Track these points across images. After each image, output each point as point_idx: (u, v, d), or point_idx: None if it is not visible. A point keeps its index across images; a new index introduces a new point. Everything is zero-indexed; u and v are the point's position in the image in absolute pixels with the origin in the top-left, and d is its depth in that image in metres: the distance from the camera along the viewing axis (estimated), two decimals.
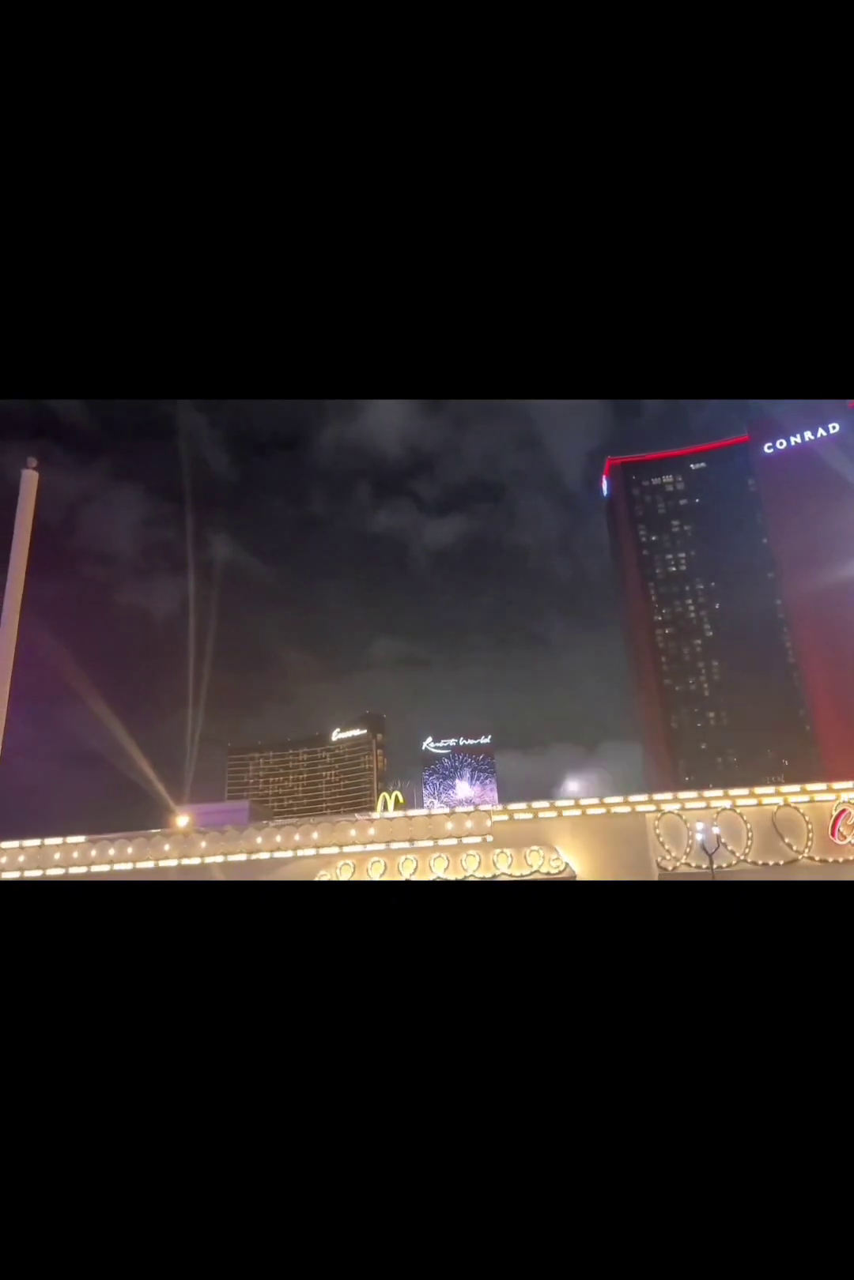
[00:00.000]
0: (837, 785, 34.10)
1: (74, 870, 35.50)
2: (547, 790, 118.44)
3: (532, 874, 32.46)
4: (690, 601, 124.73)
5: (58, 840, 36.67)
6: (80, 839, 36.67)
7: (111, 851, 36.03)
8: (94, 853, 36.11)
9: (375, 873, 33.36)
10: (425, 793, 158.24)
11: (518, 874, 32.54)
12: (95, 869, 35.40)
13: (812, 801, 33.10)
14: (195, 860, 35.23)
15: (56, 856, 36.15)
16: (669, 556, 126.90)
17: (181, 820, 40.23)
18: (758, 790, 34.38)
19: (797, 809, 32.74)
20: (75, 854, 36.19)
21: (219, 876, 34.61)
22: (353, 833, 35.34)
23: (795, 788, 34.31)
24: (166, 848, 36.03)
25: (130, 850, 35.99)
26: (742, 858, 31.85)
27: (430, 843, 33.97)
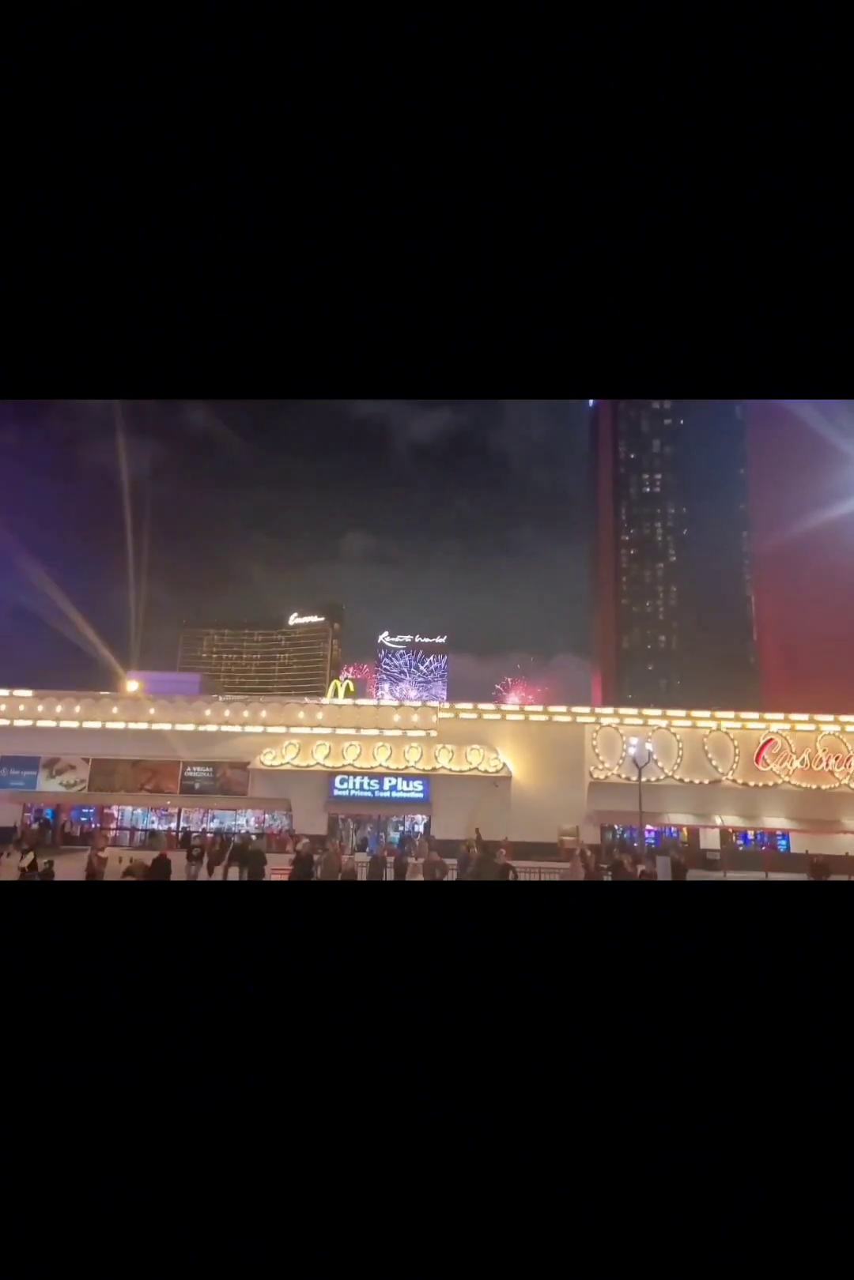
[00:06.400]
0: (768, 715, 35.76)
1: (19, 723, 35.56)
2: (494, 693, 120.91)
3: (470, 770, 33.71)
4: (659, 525, 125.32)
5: (4, 692, 36.51)
6: (26, 693, 36.56)
7: (59, 708, 36.08)
8: (40, 708, 36.12)
9: (319, 755, 34.23)
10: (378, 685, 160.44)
11: (457, 769, 33.76)
12: (41, 724, 35.51)
13: (743, 729, 34.71)
14: (143, 725, 35.55)
15: (1, 708, 36.07)
16: (645, 476, 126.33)
17: (131, 685, 40.33)
18: (694, 714, 35.81)
19: (727, 734, 34.36)
20: (21, 708, 36.15)
21: (175, 744, 35.08)
22: (301, 715, 35.97)
23: (729, 714, 35.86)
24: (115, 710, 36.21)
25: (77, 709, 36.09)
26: (669, 774, 33.53)
27: (375, 732, 34.84)
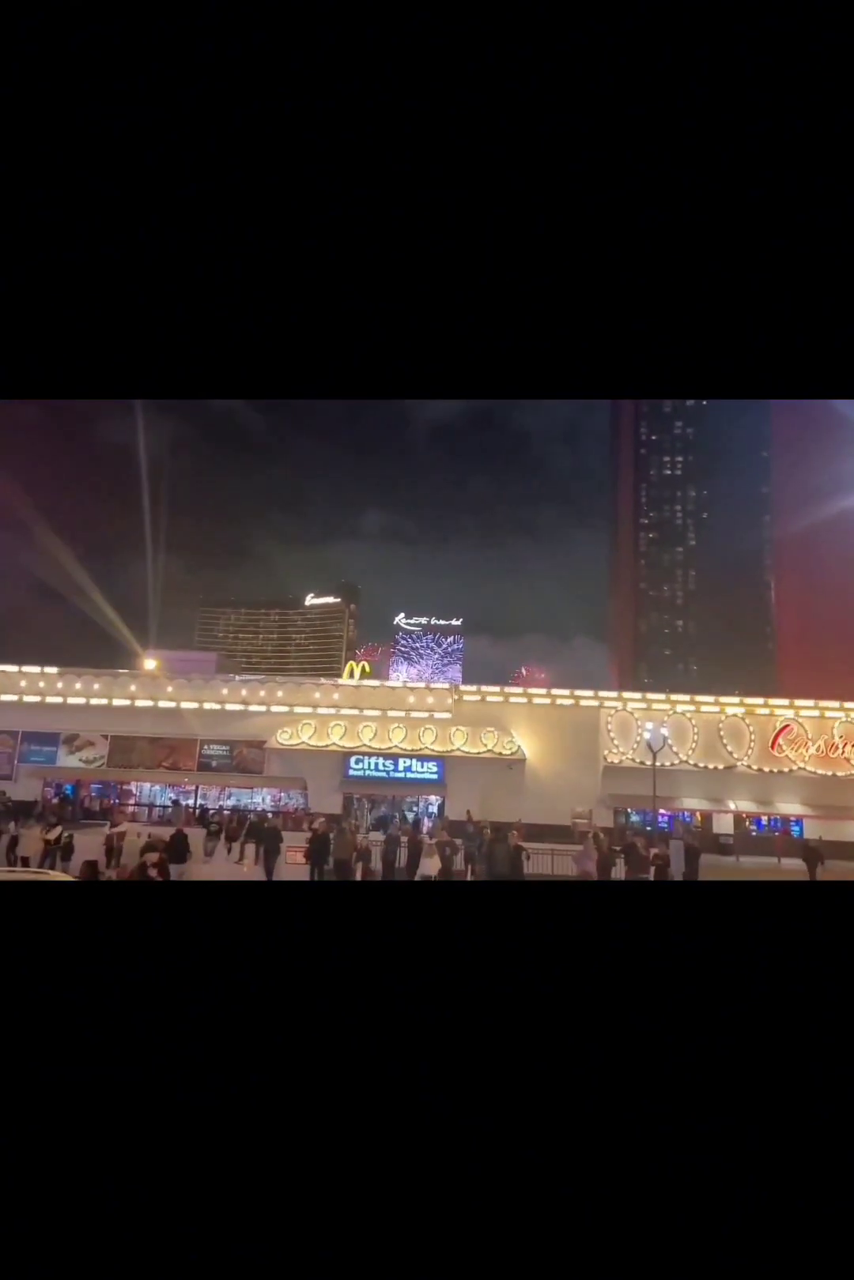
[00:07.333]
0: (798, 702, 35.15)
1: (37, 699, 36.07)
2: (510, 676, 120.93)
3: (485, 753, 33.78)
4: (679, 507, 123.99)
5: (26, 668, 37.03)
6: (53, 670, 37.07)
7: (78, 685, 36.57)
8: (60, 684, 36.62)
9: (335, 735, 34.44)
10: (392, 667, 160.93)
11: (472, 751, 33.84)
12: (70, 701, 36.01)
13: (771, 713, 34.44)
14: (162, 703, 35.94)
15: (24, 684, 36.59)
16: (665, 458, 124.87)
17: (149, 664, 40.73)
18: (723, 698, 35.66)
19: (743, 720, 34.10)
20: (41, 683, 36.67)
21: (192, 722, 35.48)
22: (317, 695, 36.17)
23: (755, 699, 35.65)
24: (133, 688, 36.61)
25: (96, 686, 36.54)
26: (684, 759, 33.38)
27: (400, 713, 34.92)
